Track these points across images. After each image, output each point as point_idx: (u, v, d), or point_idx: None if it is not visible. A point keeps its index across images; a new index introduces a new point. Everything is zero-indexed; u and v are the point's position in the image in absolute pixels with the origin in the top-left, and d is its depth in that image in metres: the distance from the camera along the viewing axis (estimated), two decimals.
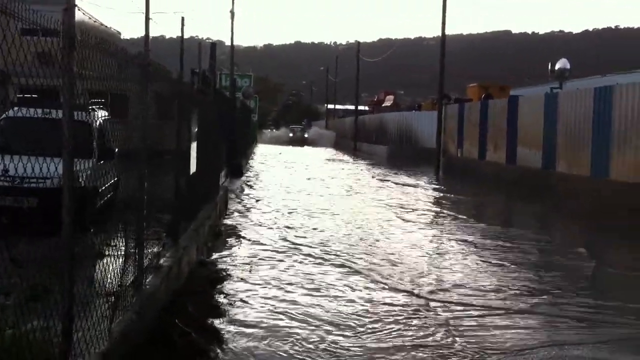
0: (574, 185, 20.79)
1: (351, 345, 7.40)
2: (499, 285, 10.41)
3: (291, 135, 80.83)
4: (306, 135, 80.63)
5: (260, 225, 15.60)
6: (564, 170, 22.05)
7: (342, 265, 11.49)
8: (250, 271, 10.78)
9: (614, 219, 17.08)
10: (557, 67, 30.64)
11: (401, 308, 8.94)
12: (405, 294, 9.75)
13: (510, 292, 10.02)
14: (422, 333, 7.90)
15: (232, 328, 7.75)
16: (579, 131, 21.11)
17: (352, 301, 9.20)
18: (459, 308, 9.03)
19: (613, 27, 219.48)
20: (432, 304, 9.26)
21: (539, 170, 23.86)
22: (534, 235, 15.68)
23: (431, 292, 9.90)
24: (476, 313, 8.86)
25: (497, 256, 12.78)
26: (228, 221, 15.94)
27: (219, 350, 7.04)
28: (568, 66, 30.43)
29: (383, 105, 72.31)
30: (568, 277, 11.24)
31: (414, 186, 27.88)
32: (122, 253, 6.42)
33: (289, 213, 17.84)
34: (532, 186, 23.73)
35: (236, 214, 17.34)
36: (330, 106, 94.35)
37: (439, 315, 8.70)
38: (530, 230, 16.62)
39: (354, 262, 11.77)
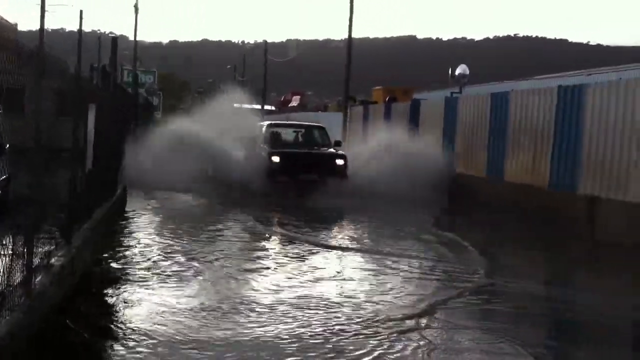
0: (471, 187, 21.49)
1: None
2: None
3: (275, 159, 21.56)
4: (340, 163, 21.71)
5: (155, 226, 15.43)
6: (462, 171, 22.75)
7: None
8: (148, 270, 10.63)
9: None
10: (457, 72, 31.63)
11: None
12: None
13: None
14: None
15: (125, 327, 7.63)
16: (476, 134, 21.85)
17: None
18: None
19: (512, 35, 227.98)
20: None
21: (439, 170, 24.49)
22: None
23: None
24: None
25: None
26: (125, 220, 15.66)
27: (111, 350, 6.93)
28: (467, 72, 31.44)
29: (289, 105, 72.63)
30: None
31: None
32: (11, 252, 6.24)
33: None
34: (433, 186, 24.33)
35: (135, 212, 17.06)
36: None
37: None
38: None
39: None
